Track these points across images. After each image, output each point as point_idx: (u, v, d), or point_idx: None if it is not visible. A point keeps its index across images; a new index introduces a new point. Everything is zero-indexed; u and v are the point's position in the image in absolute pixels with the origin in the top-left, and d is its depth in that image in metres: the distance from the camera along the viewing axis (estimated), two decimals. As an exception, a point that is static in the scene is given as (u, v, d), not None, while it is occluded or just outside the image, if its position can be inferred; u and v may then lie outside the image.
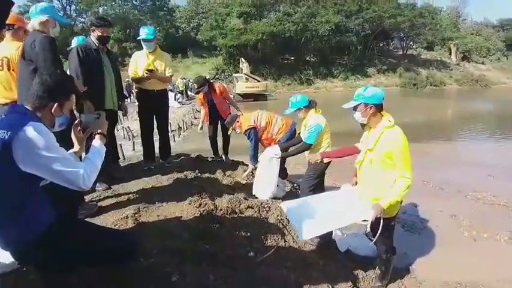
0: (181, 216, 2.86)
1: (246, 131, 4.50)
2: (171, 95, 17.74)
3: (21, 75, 2.68)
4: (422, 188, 5.72)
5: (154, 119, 4.32)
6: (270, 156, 4.07)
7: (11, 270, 1.91)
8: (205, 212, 2.97)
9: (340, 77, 33.75)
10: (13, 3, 1.72)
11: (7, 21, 2.93)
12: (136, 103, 4.38)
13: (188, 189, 3.53)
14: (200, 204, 3.06)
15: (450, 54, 41.65)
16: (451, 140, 11.76)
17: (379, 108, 2.50)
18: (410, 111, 16.59)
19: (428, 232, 4.23)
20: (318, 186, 3.87)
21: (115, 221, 2.65)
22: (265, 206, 3.62)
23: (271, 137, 4.49)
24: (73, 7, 38.50)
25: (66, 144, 1.72)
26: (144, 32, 4.01)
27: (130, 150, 8.59)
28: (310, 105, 3.83)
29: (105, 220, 2.70)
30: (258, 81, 24.80)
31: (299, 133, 4.06)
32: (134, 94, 12.68)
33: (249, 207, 3.44)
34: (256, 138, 4.50)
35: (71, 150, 1.78)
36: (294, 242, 3.12)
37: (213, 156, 5.56)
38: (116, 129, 4.32)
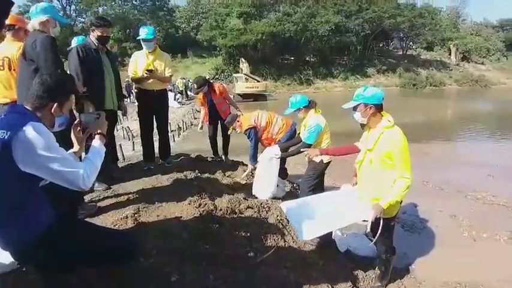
0: (181, 216, 2.86)
1: (246, 130, 4.50)
2: (170, 95, 17.75)
3: (22, 75, 2.68)
4: (422, 188, 5.72)
5: (154, 119, 4.32)
6: (269, 156, 4.07)
7: (11, 270, 1.91)
8: (205, 212, 2.97)
9: (340, 77, 33.77)
10: (13, 3, 1.72)
11: (8, 22, 2.95)
12: (136, 103, 4.38)
13: (188, 189, 3.52)
14: (200, 205, 3.06)
15: (450, 54, 41.67)
16: (451, 140, 11.76)
17: (378, 108, 2.50)
18: (410, 111, 16.60)
19: (428, 232, 4.23)
20: (318, 187, 3.86)
21: (115, 221, 2.65)
22: (265, 206, 3.62)
23: (271, 136, 4.49)
24: (73, 7, 38.57)
25: (66, 144, 1.72)
26: (143, 32, 4.00)
27: (130, 150, 8.58)
28: (310, 105, 3.83)
29: (105, 220, 2.70)
30: (258, 81, 24.80)
31: (299, 133, 4.06)
32: (134, 94, 12.67)
33: (248, 207, 3.44)
34: (256, 138, 4.50)
35: (71, 150, 1.78)
36: (293, 242, 3.12)
37: (213, 156, 5.56)
38: (115, 129, 4.32)
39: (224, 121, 4.92)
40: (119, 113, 4.00)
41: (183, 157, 5.11)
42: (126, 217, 2.69)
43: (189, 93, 22.43)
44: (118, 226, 2.60)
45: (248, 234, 2.94)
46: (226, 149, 5.44)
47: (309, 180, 3.86)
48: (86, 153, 1.75)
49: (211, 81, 5.40)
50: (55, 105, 1.60)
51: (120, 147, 6.06)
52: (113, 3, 35.79)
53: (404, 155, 2.41)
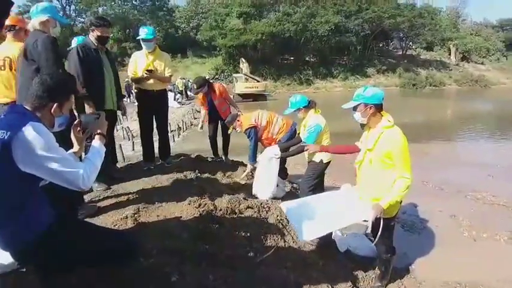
0: (181, 217, 2.86)
1: (246, 129, 4.49)
2: (170, 95, 17.75)
3: (23, 75, 2.67)
4: (422, 188, 5.73)
5: (154, 119, 4.31)
6: (269, 156, 4.07)
7: (11, 271, 1.91)
8: (205, 212, 2.97)
9: (340, 77, 33.77)
10: (13, 3, 1.72)
11: (9, 23, 3.02)
12: (136, 103, 4.37)
13: (188, 189, 3.52)
14: (200, 205, 3.06)
15: (450, 54, 41.69)
16: (451, 140, 11.77)
17: (378, 108, 2.50)
18: (410, 111, 16.61)
19: (428, 232, 4.23)
20: (318, 187, 3.87)
21: (115, 221, 2.65)
22: (265, 206, 3.62)
23: (271, 136, 4.49)
24: (72, 7, 38.54)
25: (66, 144, 1.72)
26: (143, 32, 4.00)
27: (130, 151, 8.59)
28: (310, 105, 3.83)
29: (105, 220, 2.70)
30: (258, 81, 24.82)
31: (299, 133, 4.06)
32: (134, 94, 12.66)
33: (248, 207, 3.43)
34: (256, 137, 4.49)
35: (71, 151, 1.78)
36: (293, 242, 3.12)
37: (213, 156, 5.56)
38: (115, 130, 4.31)
39: (224, 121, 4.92)
40: (119, 113, 4.00)
41: (183, 157, 5.11)
42: (126, 217, 2.69)
43: (188, 93, 22.45)
44: (118, 226, 2.59)
45: (248, 234, 2.94)
46: (226, 149, 5.43)
47: (308, 180, 3.86)
48: (86, 153, 1.75)
49: (211, 81, 5.40)
50: (55, 105, 1.60)
51: (120, 147, 6.06)
52: (113, 3, 35.76)
53: (404, 155, 2.41)
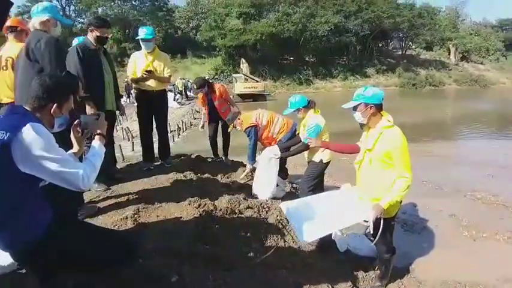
0: (181, 217, 2.86)
1: (246, 128, 4.48)
2: (170, 95, 17.76)
3: (25, 75, 2.62)
4: (422, 188, 5.72)
5: (154, 120, 4.31)
6: (269, 156, 4.07)
7: (11, 271, 1.91)
8: (205, 213, 2.97)
9: (340, 77, 33.81)
10: (12, 4, 1.72)
11: (10, 24, 3.05)
12: (136, 104, 4.37)
13: (187, 189, 3.53)
14: (199, 205, 3.06)
15: (449, 54, 41.77)
16: (451, 139, 11.78)
17: (379, 108, 2.50)
18: (410, 111, 16.60)
19: (428, 232, 4.22)
20: (318, 186, 3.87)
21: (114, 221, 2.65)
22: (265, 206, 3.62)
23: (272, 136, 4.47)
24: (72, 7, 38.50)
25: (66, 145, 1.72)
26: (143, 32, 4.00)
27: (130, 151, 8.57)
28: (309, 105, 3.83)
29: (105, 221, 2.70)
30: (257, 81, 24.86)
31: (298, 133, 4.06)
32: (133, 95, 12.63)
33: (248, 207, 3.44)
34: (256, 137, 4.48)
35: (71, 151, 1.78)
36: (293, 242, 3.12)
37: (213, 156, 5.55)
38: (115, 130, 4.31)
39: (224, 122, 4.91)
40: (117, 113, 3.99)
41: (182, 157, 5.11)
42: (126, 218, 2.69)
43: (188, 93, 22.46)
44: (118, 227, 2.59)
45: (248, 235, 2.95)
46: (226, 149, 5.43)
47: (308, 180, 3.86)
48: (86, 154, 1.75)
49: (210, 81, 5.40)
50: (54, 106, 1.60)
51: (120, 147, 6.06)
52: (112, 3, 35.68)
53: (404, 155, 2.41)
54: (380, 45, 40.76)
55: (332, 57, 35.28)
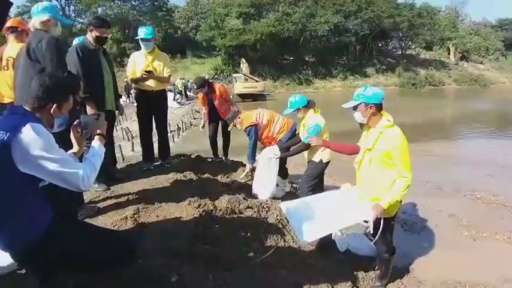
0: (181, 217, 2.86)
1: (247, 127, 4.46)
2: (170, 95, 17.76)
3: (25, 74, 2.60)
4: (422, 188, 5.72)
5: (153, 120, 4.31)
6: (269, 156, 4.07)
7: (11, 271, 1.91)
8: (205, 213, 2.97)
9: (339, 77, 33.80)
10: (12, 4, 1.72)
11: (11, 24, 3.09)
12: (135, 104, 4.36)
13: (187, 189, 3.53)
14: (199, 205, 3.06)
15: (449, 54, 41.77)
16: (450, 139, 11.78)
17: (379, 107, 2.50)
18: (410, 111, 16.60)
19: (427, 232, 4.22)
20: (317, 186, 3.86)
21: (114, 221, 2.65)
22: (265, 206, 3.62)
23: (272, 135, 4.46)
24: (72, 7, 38.47)
25: (66, 145, 1.72)
26: (142, 32, 3.99)
27: (130, 151, 8.57)
28: (309, 105, 3.83)
29: (105, 221, 2.70)
30: (257, 81, 24.88)
31: (298, 133, 4.06)
32: (133, 95, 12.59)
33: (248, 207, 3.44)
34: (256, 136, 4.46)
35: (70, 151, 1.77)
36: (293, 242, 3.12)
37: (213, 156, 5.55)
38: (115, 130, 4.31)
39: (224, 122, 4.91)
40: (116, 113, 3.99)
41: (182, 157, 5.11)
42: (126, 218, 2.69)
43: (188, 93, 22.46)
44: (118, 227, 2.59)
45: (248, 235, 2.95)
46: (226, 149, 5.43)
47: (308, 180, 3.86)
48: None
49: (210, 81, 5.40)
50: (54, 106, 1.60)
51: (120, 147, 6.06)
52: (112, 3, 35.63)
53: (404, 155, 2.41)
54: (380, 45, 40.78)
55: (332, 57, 35.26)
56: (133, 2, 37.25)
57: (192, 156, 5.30)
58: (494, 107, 20.75)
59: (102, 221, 2.69)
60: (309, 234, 2.60)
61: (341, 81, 33.43)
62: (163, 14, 37.39)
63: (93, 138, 1.83)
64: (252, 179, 4.39)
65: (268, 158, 4.08)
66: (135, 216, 2.75)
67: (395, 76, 34.75)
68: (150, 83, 4.06)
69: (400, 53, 40.97)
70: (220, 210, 3.18)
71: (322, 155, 3.77)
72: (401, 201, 2.62)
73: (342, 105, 2.67)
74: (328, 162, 3.85)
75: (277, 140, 4.42)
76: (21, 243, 1.49)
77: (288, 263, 2.69)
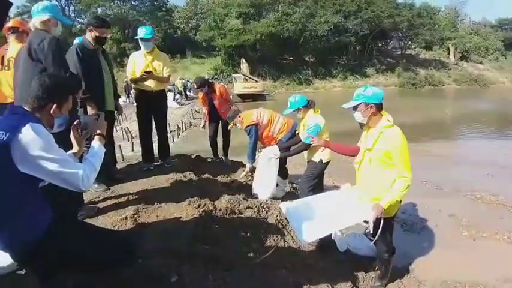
0: (181, 217, 2.86)
1: (247, 127, 4.44)
2: (170, 95, 17.76)
3: (26, 74, 2.58)
4: (422, 188, 5.72)
5: (153, 120, 4.30)
6: (268, 156, 4.07)
7: (10, 272, 1.91)
8: (205, 213, 2.97)
9: (339, 77, 33.83)
10: (11, 4, 1.72)
11: (12, 25, 3.11)
12: (135, 104, 4.36)
13: (187, 189, 3.52)
14: (199, 205, 3.06)
15: (449, 54, 41.81)
16: (450, 139, 11.78)
17: (379, 107, 2.50)
18: (409, 111, 16.61)
19: (427, 232, 4.22)
20: (317, 186, 3.86)
21: (114, 221, 2.65)
22: (265, 206, 3.62)
23: (272, 135, 4.45)
24: (72, 8, 38.46)
25: (66, 145, 1.72)
26: (142, 32, 3.99)
27: (130, 151, 8.56)
28: (309, 105, 3.83)
29: (105, 221, 2.70)
30: (256, 81, 24.90)
31: (298, 133, 4.06)
32: (133, 95, 12.57)
33: (248, 207, 3.44)
34: (257, 135, 4.44)
35: (70, 151, 1.77)
36: (293, 242, 3.12)
37: (213, 157, 5.55)
38: (114, 130, 4.31)
39: (224, 122, 4.91)
40: (115, 113, 3.98)
41: (182, 158, 5.11)
42: (126, 218, 2.69)
43: (188, 93, 22.47)
44: (118, 227, 2.59)
45: (248, 235, 2.95)
46: (226, 149, 5.43)
47: (308, 180, 3.86)
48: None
49: (211, 81, 5.40)
50: (54, 106, 1.60)
51: (120, 148, 6.05)
52: (112, 3, 35.65)
53: (404, 155, 2.41)
54: (379, 45, 40.80)
55: (331, 57, 35.29)
56: (133, 2, 37.27)
57: (192, 157, 5.30)
58: (494, 107, 20.76)
59: (102, 221, 2.69)
60: (308, 235, 2.60)
61: (341, 81, 33.45)
62: (163, 14, 37.40)
63: (93, 139, 1.82)
64: (252, 179, 4.38)
65: (268, 158, 4.07)
66: (135, 216, 2.74)
67: (395, 76, 34.78)
68: (150, 83, 4.06)
69: (399, 53, 41.01)
70: (220, 210, 3.18)
71: (322, 155, 3.77)
72: (401, 201, 2.62)
73: (342, 105, 2.67)
74: (328, 162, 3.84)
75: (277, 140, 4.41)
76: (21, 243, 1.49)
77: (288, 263, 2.69)
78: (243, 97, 22.31)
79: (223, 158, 5.44)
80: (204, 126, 5.63)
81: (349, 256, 3.34)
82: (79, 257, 1.61)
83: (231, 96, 5.62)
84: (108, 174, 3.55)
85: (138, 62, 4.09)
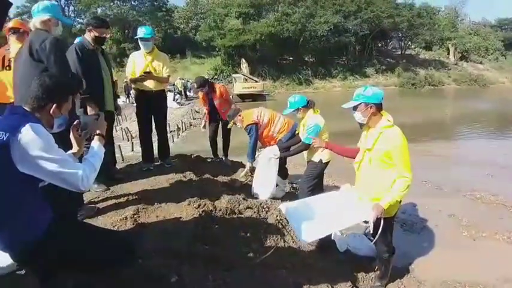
0: (181, 217, 2.86)
1: (247, 125, 4.43)
2: (170, 95, 17.75)
3: (28, 74, 2.54)
4: (422, 188, 5.72)
5: (153, 120, 4.30)
6: (268, 156, 4.07)
7: (10, 272, 1.91)
8: (204, 213, 2.97)
9: (339, 77, 33.82)
10: (11, 4, 1.72)
11: (13, 25, 3.13)
12: (135, 104, 4.35)
13: (187, 190, 3.52)
14: (199, 205, 3.06)
15: (448, 54, 41.80)
16: (450, 139, 11.78)
17: (379, 107, 2.50)
18: (409, 111, 16.60)
19: (427, 232, 4.22)
20: (317, 187, 3.86)
21: (114, 222, 2.65)
22: (264, 206, 3.62)
23: (272, 135, 4.44)
24: (71, 8, 38.43)
25: (65, 145, 1.72)
26: (141, 31, 3.99)
27: (129, 151, 8.56)
28: (309, 105, 3.83)
29: (104, 221, 2.70)
30: (256, 81, 24.91)
31: (297, 133, 4.06)
32: (132, 95, 12.56)
33: (248, 207, 3.44)
34: (257, 135, 4.43)
35: (70, 151, 1.78)
36: (293, 242, 3.12)
37: (212, 157, 5.55)
38: (114, 130, 4.30)
39: (224, 122, 4.91)
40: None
41: (182, 158, 5.11)
42: (126, 218, 2.69)
43: (188, 93, 22.47)
44: (117, 227, 2.59)
45: (247, 235, 2.95)
46: (226, 150, 5.43)
47: (308, 180, 3.85)
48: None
49: (211, 81, 5.39)
50: (54, 106, 1.60)
51: (120, 148, 6.05)
52: (112, 3, 35.63)
53: (403, 155, 2.41)
54: (379, 45, 40.79)
55: (331, 57, 35.28)
56: (132, 2, 37.25)
57: (192, 157, 5.30)
58: (494, 107, 20.76)
59: (102, 222, 2.69)
60: (308, 235, 2.60)
61: (341, 81, 33.45)
62: (163, 14, 37.39)
63: (93, 139, 1.82)
64: (252, 178, 4.38)
65: (267, 158, 4.08)
66: (135, 216, 2.74)
67: (394, 76, 34.77)
68: (149, 84, 4.06)
69: (399, 53, 41.00)
70: (220, 210, 3.18)
71: (321, 155, 3.77)
72: (400, 201, 2.62)
73: (342, 106, 2.67)
74: (327, 162, 3.84)
75: (277, 140, 4.41)
76: (20, 243, 1.49)
77: (288, 263, 2.69)
78: (243, 97, 22.31)
79: (223, 158, 5.44)
80: (204, 127, 5.63)
81: (349, 256, 3.34)
82: (79, 257, 1.61)
83: (230, 97, 5.61)
84: (108, 174, 3.55)
85: (137, 62, 4.09)
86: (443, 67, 38.38)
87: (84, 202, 2.98)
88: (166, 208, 3.01)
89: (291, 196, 4.37)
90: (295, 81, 31.87)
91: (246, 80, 24.89)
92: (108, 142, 2.99)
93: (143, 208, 2.91)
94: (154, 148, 4.48)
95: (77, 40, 3.99)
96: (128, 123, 12.17)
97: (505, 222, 4.49)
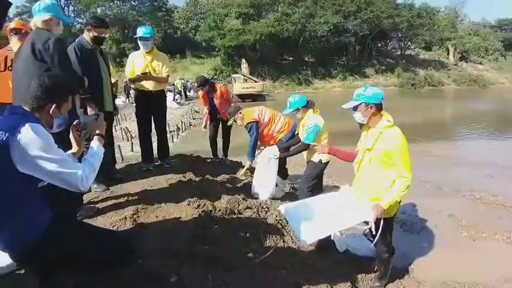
0: (180, 217, 2.86)
1: (248, 123, 4.42)
2: (169, 95, 17.74)
3: (30, 73, 2.51)
4: (421, 188, 5.72)
5: (153, 120, 4.30)
6: (268, 156, 4.07)
7: (10, 272, 1.90)
8: (204, 213, 2.97)
9: (339, 77, 33.84)
10: (11, 4, 1.72)
11: (14, 26, 3.14)
12: (135, 104, 4.35)
13: (187, 190, 3.52)
14: (199, 205, 3.05)
15: (448, 54, 41.83)
16: (450, 139, 11.78)
17: (379, 108, 2.50)
18: (409, 111, 16.60)
19: (427, 232, 4.22)
20: (316, 187, 3.86)
21: (114, 222, 2.65)
22: (264, 206, 3.62)
23: (272, 134, 4.44)
24: (71, 8, 38.40)
25: (65, 145, 1.71)
26: (141, 31, 3.98)
27: (129, 151, 8.56)
28: (308, 105, 3.83)
29: (104, 221, 2.69)
30: (255, 81, 24.92)
31: (297, 133, 4.06)
32: (132, 95, 12.55)
33: (247, 207, 3.43)
34: (257, 133, 4.42)
35: (70, 152, 1.77)
36: (292, 242, 3.12)
37: (212, 157, 5.55)
38: (114, 130, 4.30)
39: (225, 122, 4.90)
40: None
41: (182, 158, 5.10)
42: (125, 218, 2.68)
43: (188, 93, 22.47)
44: (117, 227, 2.59)
45: (247, 235, 2.94)
46: (226, 150, 5.43)
47: (307, 180, 3.86)
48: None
49: (211, 81, 5.39)
50: (53, 106, 1.60)
51: (119, 148, 6.05)
52: (111, 3, 35.62)
53: (403, 155, 2.41)
54: (379, 45, 40.80)
55: (331, 58, 35.29)
56: (132, 2, 37.23)
57: (192, 157, 5.30)
58: (494, 107, 20.77)
59: (102, 222, 2.68)
60: (308, 235, 2.60)
61: (340, 81, 33.46)
62: (163, 14, 37.39)
63: (93, 139, 1.82)
64: (251, 177, 4.38)
65: (267, 159, 4.08)
66: (135, 216, 2.74)
67: (394, 76, 34.79)
68: (149, 84, 4.05)
69: (399, 53, 41.00)
70: (220, 210, 3.17)
71: (321, 155, 3.76)
72: (400, 202, 2.62)
73: (342, 106, 2.67)
74: (327, 163, 3.84)
75: (277, 139, 4.41)
76: (20, 243, 1.49)
77: (287, 264, 2.69)
78: (243, 97, 22.31)
79: (223, 158, 5.44)
80: (205, 127, 5.62)
81: (349, 256, 3.34)
82: (79, 257, 1.61)
83: (231, 96, 5.61)
84: (108, 174, 3.55)
85: (137, 62, 4.09)
86: (443, 67, 38.40)
87: (84, 202, 2.97)
88: (165, 208, 3.00)
89: (290, 196, 4.38)
90: (295, 82, 31.87)
91: (246, 80, 24.90)
92: (108, 143, 2.98)
93: (143, 208, 2.91)
94: (153, 148, 4.47)
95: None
96: (127, 123, 12.17)
97: (505, 222, 4.49)
